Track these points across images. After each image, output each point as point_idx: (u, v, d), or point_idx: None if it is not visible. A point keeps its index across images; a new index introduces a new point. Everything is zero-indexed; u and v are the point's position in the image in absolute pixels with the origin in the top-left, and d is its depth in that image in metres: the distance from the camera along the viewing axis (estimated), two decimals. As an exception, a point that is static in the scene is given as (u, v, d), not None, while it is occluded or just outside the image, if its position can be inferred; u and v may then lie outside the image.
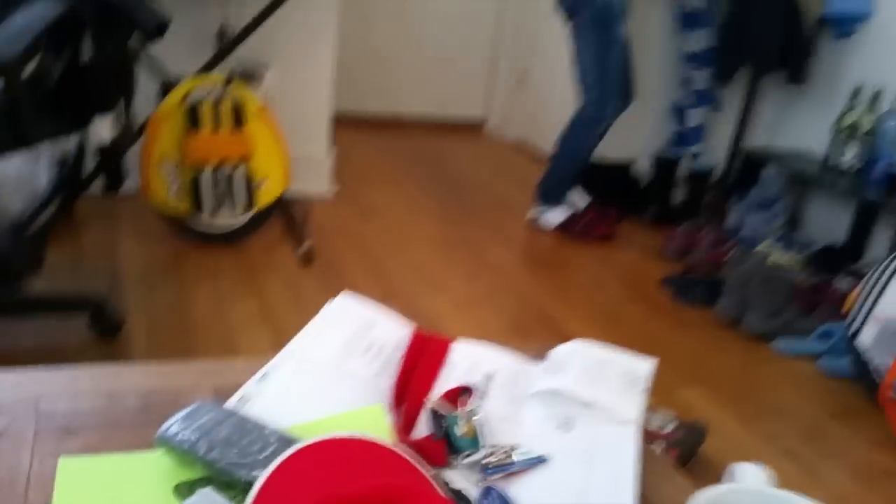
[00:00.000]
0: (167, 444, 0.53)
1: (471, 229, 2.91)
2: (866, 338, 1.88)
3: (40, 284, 1.92)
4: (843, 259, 2.72)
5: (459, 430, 0.60)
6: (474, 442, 0.60)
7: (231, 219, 2.36)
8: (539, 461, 0.59)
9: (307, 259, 2.37)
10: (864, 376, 1.95)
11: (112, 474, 0.53)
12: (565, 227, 2.99)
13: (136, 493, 0.52)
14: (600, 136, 2.95)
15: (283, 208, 2.63)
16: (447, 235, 2.81)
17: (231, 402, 0.60)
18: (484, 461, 0.58)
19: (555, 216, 3.01)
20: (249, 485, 0.48)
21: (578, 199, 3.10)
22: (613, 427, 0.62)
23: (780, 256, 2.47)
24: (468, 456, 0.58)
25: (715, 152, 3.36)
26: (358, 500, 0.38)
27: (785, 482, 1.62)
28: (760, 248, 2.55)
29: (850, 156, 2.80)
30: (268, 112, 2.34)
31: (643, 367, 0.69)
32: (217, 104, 2.22)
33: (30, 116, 1.36)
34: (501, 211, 3.18)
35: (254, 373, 0.65)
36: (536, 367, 0.71)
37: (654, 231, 3.12)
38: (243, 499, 0.47)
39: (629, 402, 0.65)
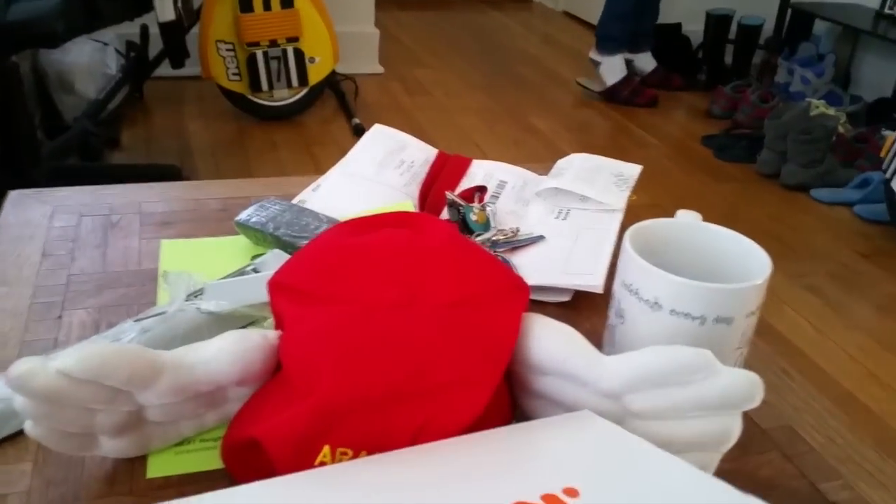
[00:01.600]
0: (243, 225, 0.69)
1: (517, 99, 2.98)
2: (898, 180, 1.93)
3: (119, 158, 2.11)
4: (891, 111, 2.71)
5: (474, 216, 0.74)
6: (486, 226, 0.74)
7: (286, 95, 2.50)
8: (538, 239, 0.72)
9: (358, 132, 2.50)
10: (896, 218, 2.02)
11: (202, 250, 0.69)
12: (611, 96, 3.04)
13: (221, 263, 0.67)
14: None
15: (335, 85, 2.75)
16: (493, 106, 2.89)
17: (290, 201, 0.75)
18: (493, 238, 0.72)
19: (611, 71, 3.01)
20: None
21: (646, 63, 3.11)
22: (602, 214, 0.75)
23: (823, 109, 2.49)
24: (479, 235, 0.72)
25: (765, 8, 3.30)
26: (373, 222, 0.52)
27: (807, 314, 1.75)
28: (804, 102, 2.57)
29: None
30: (314, -11, 2.42)
31: (631, 169, 0.81)
32: (265, -16, 2.31)
33: (101, -2, 1.49)
34: (548, 81, 3.23)
35: (309, 185, 0.79)
36: (542, 177, 0.84)
37: (704, 93, 3.13)
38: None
39: (617, 197, 0.77)
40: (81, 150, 2.09)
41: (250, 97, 2.47)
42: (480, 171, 0.84)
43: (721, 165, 2.54)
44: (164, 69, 2.32)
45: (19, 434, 0.46)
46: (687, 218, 0.56)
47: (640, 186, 0.79)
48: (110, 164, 2.13)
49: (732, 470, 0.47)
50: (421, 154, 0.85)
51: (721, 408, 0.41)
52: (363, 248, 0.48)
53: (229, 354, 0.44)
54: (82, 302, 0.60)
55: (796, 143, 2.35)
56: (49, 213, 0.71)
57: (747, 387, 0.41)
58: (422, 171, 0.83)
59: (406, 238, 0.49)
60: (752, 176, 2.45)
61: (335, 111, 2.69)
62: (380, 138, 0.87)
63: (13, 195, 0.73)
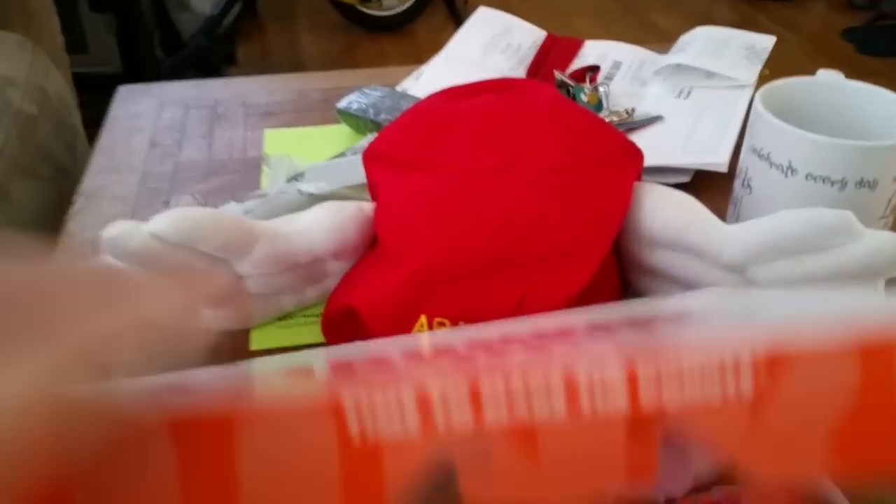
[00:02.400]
0: (344, 112, 0.67)
1: (636, -2, 2.81)
2: None
3: (235, 73, 2.15)
4: None
5: (584, 97, 0.69)
6: (598, 108, 0.69)
7: (395, 4, 2.46)
8: (656, 119, 0.67)
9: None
10: None
11: (304, 139, 0.68)
12: (741, -13, 2.81)
13: (322, 150, 0.66)
14: None
15: (444, -9, 2.68)
16: (610, 5, 2.74)
17: (392, 89, 0.73)
18: (606, 120, 0.67)
19: None
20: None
21: None
22: (729, 92, 0.69)
23: None
24: (591, 116, 0.67)
25: None
26: (473, 89, 0.48)
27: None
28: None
29: None
30: None
31: (764, 41, 0.73)
32: None
33: None
34: (671, -24, 3.02)
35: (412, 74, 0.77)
36: (662, 56, 0.77)
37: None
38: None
39: (747, 71, 0.70)
40: (199, 66, 2.14)
41: (360, 7, 2.45)
42: (593, 52, 0.78)
43: (864, 60, 2.31)
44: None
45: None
46: (828, 76, 0.50)
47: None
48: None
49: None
50: (529, 36, 0.81)
51: (862, 275, 0.36)
52: (461, 113, 0.45)
53: (325, 224, 0.42)
54: (189, 188, 0.60)
55: (956, 30, 2.10)
56: (157, 105, 0.72)
57: (893, 250, 0.35)
58: (529, 55, 0.79)
59: (507, 102, 0.45)
60: (901, 70, 2.22)
61: (445, 20, 2.62)
62: (484, 22, 0.82)
63: (122, 90, 0.74)
